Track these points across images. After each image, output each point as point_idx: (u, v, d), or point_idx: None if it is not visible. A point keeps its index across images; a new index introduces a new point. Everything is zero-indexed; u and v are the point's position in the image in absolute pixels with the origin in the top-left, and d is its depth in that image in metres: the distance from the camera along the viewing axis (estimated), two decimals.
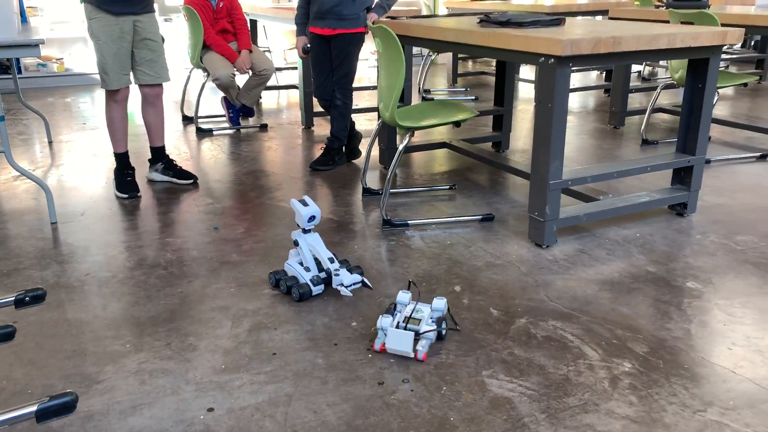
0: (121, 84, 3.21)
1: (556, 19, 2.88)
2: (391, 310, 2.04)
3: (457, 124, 2.95)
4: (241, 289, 2.38)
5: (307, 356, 1.94)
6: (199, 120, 4.91)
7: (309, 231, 2.37)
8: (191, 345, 2.01)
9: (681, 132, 2.97)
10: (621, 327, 2.08)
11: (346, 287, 2.28)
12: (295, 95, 6.23)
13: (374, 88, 5.48)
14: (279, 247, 2.73)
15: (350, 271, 2.37)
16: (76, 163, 3.96)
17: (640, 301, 2.25)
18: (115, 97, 3.25)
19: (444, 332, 2.00)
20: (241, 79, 4.93)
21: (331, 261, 2.35)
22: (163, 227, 2.97)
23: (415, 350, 1.91)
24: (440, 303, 2.03)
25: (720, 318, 2.13)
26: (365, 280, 2.34)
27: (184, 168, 3.63)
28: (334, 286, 2.31)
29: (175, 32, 6.87)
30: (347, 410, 1.69)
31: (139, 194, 3.38)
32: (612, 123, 4.82)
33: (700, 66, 2.84)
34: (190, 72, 5.05)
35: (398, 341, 1.89)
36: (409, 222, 2.95)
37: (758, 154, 3.99)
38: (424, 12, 6.29)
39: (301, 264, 2.35)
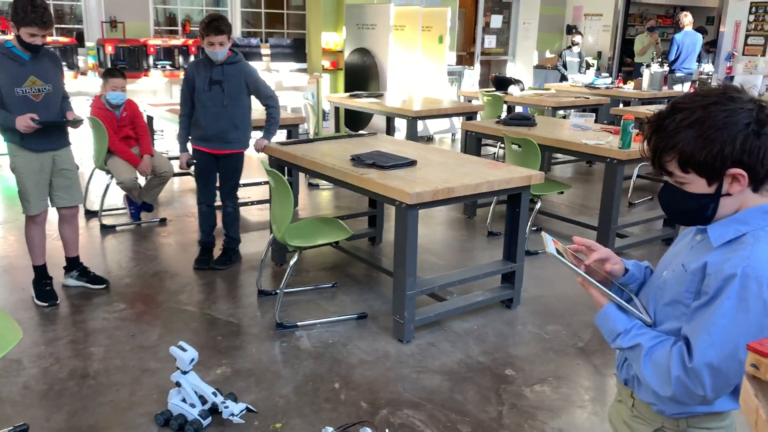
0: (40, 209, 3.70)
1: (410, 161, 3.73)
2: None
3: (336, 242, 3.70)
4: (162, 395, 2.93)
5: None
6: (103, 215, 5.35)
7: (188, 372, 2.73)
8: None
9: (505, 244, 3.89)
10: (454, 412, 2.87)
11: (236, 416, 2.67)
12: (187, 181, 6.75)
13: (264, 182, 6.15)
14: None
15: (234, 400, 2.77)
16: None
17: (470, 388, 3.06)
18: (35, 220, 3.72)
19: None
20: (142, 178, 5.42)
21: (215, 395, 2.72)
22: (85, 336, 3.46)
23: None
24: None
25: (523, 401, 2.97)
26: (249, 406, 2.74)
27: (96, 273, 4.11)
28: (224, 417, 2.67)
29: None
30: None
31: (57, 302, 3.82)
32: (466, 213, 5.78)
33: (516, 197, 3.77)
34: (93, 171, 5.48)
35: None
36: (298, 324, 3.63)
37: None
38: (310, 113, 7.07)
39: (184, 401, 2.71)
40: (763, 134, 1.22)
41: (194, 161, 4.37)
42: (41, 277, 3.85)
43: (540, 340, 3.55)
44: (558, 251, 1.44)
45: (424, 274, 4.30)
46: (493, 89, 8.01)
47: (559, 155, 8.14)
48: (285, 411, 2.83)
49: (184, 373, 2.73)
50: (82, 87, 7.27)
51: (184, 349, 2.72)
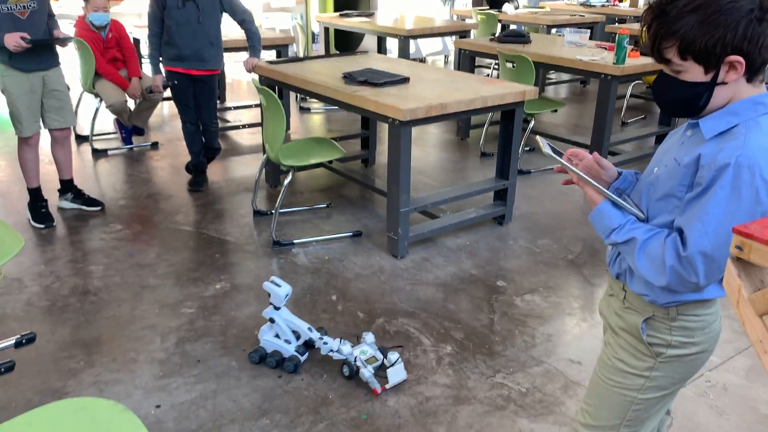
0: (33, 131, 3.66)
1: (403, 78, 3.69)
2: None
3: (330, 162, 3.71)
4: (163, 309, 3.02)
5: (224, 360, 2.65)
6: (94, 139, 5.31)
7: (280, 308, 2.62)
8: (132, 359, 2.65)
9: (498, 162, 3.91)
10: (447, 320, 2.96)
11: (335, 352, 2.54)
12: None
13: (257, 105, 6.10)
14: (188, 270, 3.37)
15: (325, 334, 2.64)
16: None
17: (463, 298, 3.15)
18: (28, 142, 3.69)
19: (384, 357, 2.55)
20: (132, 102, 5.35)
21: (311, 330, 2.60)
22: (83, 256, 3.51)
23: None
24: (369, 338, 2.62)
25: (514, 309, 3.07)
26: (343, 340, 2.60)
27: (91, 196, 4.12)
28: (324, 353, 2.55)
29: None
30: (257, 398, 2.43)
31: (54, 224, 3.85)
32: (459, 135, 5.77)
33: (509, 113, 3.76)
34: (81, 94, 5.40)
35: (396, 375, 2.49)
36: (294, 241, 3.68)
37: None
38: (299, 35, 6.92)
39: (278, 337, 2.63)
40: (765, 21, 1.22)
41: (171, 83, 4.28)
42: (36, 199, 3.86)
43: (531, 254, 3.62)
44: (554, 150, 1.46)
45: (417, 194, 4.34)
46: (487, 8, 7.83)
47: (552, 76, 8.06)
48: None
49: (277, 308, 2.62)
50: (63, 9, 7.06)
51: (278, 285, 2.60)
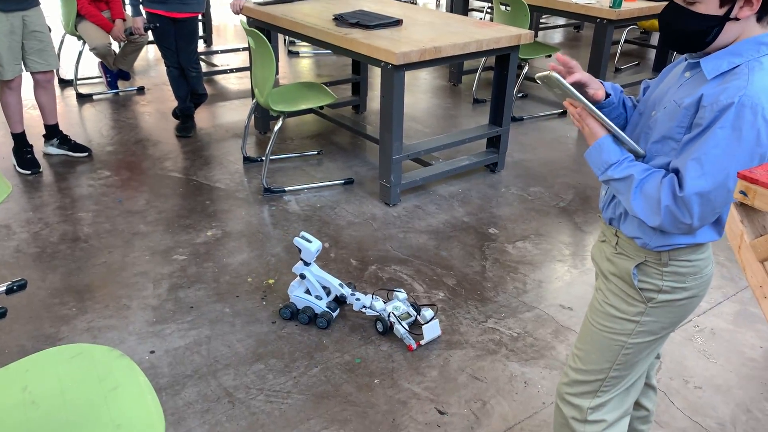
0: (14, 73, 3.56)
1: (396, 21, 3.60)
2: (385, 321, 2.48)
3: (320, 107, 3.64)
4: (154, 256, 3.00)
5: (217, 307, 2.65)
6: (78, 84, 5.18)
7: (310, 264, 2.59)
8: (125, 305, 2.65)
9: (491, 108, 3.86)
10: (440, 267, 2.97)
11: (367, 308, 2.53)
12: None
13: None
14: (179, 217, 3.35)
15: (354, 289, 2.61)
16: None
17: (455, 245, 3.15)
18: (10, 85, 3.59)
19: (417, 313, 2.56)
20: (116, 45, 5.20)
21: (341, 286, 2.58)
22: (72, 202, 3.46)
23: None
24: (402, 294, 2.61)
25: (506, 256, 3.08)
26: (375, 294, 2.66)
27: (77, 141, 4.04)
28: (356, 309, 2.55)
29: None
30: (251, 343, 2.45)
31: (40, 170, 3.78)
32: (452, 81, 5.68)
33: (504, 58, 3.69)
34: (63, 37, 5.24)
35: (431, 331, 2.48)
36: (285, 188, 3.65)
37: (561, 110, 5.03)
38: None
39: (309, 293, 2.59)
40: None
41: (152, 25, 4.15)
42: (21, 144, 3.78)
43: (523, 201, 3.62)
44: (560, 76, 1.38)
45: (409, 141, 4.30)
46: None
47: (547, 20, 7.91)
48: (277, 268, 2.92)
49: (307, 264, 2.58)
50: None
51: (308, 240, 2.55)
